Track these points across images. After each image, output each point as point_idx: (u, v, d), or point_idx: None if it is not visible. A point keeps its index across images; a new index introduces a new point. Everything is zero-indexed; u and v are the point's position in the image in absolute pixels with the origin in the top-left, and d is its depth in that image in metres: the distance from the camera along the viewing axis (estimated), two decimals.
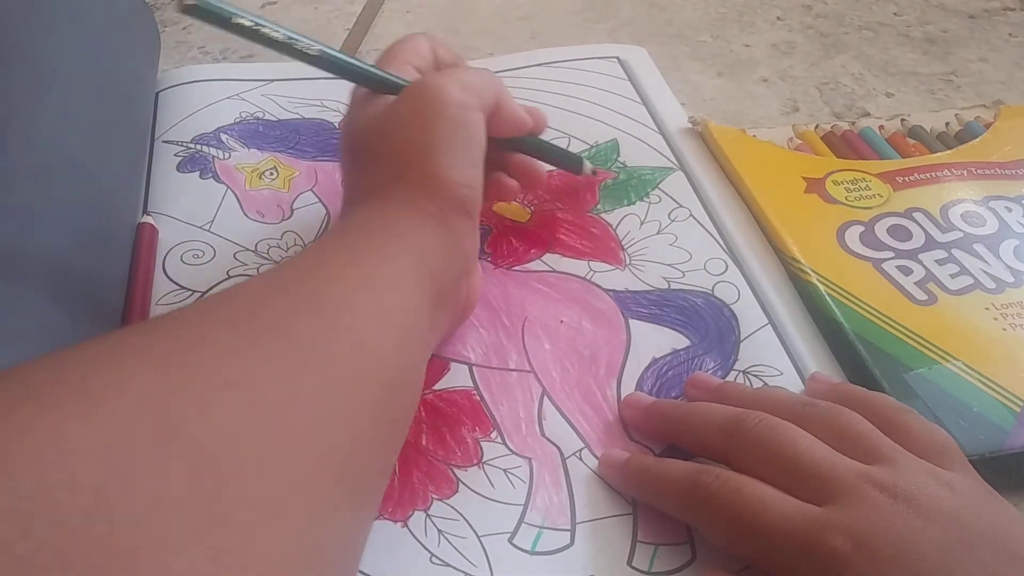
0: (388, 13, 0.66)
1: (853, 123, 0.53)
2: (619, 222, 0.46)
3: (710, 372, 0.38)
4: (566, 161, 0.45)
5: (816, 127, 0.53)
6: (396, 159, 0.34)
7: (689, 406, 0.35)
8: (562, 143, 0.50)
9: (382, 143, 0.34)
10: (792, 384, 0.38)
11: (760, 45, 0.63)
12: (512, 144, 0.41)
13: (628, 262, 0.43)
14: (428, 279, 0.31)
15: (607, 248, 0.44)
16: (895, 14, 0.68)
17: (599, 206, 0.47)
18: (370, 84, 0.36)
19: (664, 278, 0.42)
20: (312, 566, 0.21)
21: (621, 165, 0.49)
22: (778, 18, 0.67)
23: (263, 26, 0.33)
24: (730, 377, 0.38)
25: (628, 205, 0.47)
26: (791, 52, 0.63)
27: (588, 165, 0.46)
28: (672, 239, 0.45)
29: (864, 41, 0.64)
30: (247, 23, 0.32)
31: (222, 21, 0.32)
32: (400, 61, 0.37)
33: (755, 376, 0.38)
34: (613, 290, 0.42)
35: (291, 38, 0.33)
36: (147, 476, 0.18)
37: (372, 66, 0.36)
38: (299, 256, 0.30)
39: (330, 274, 0.28)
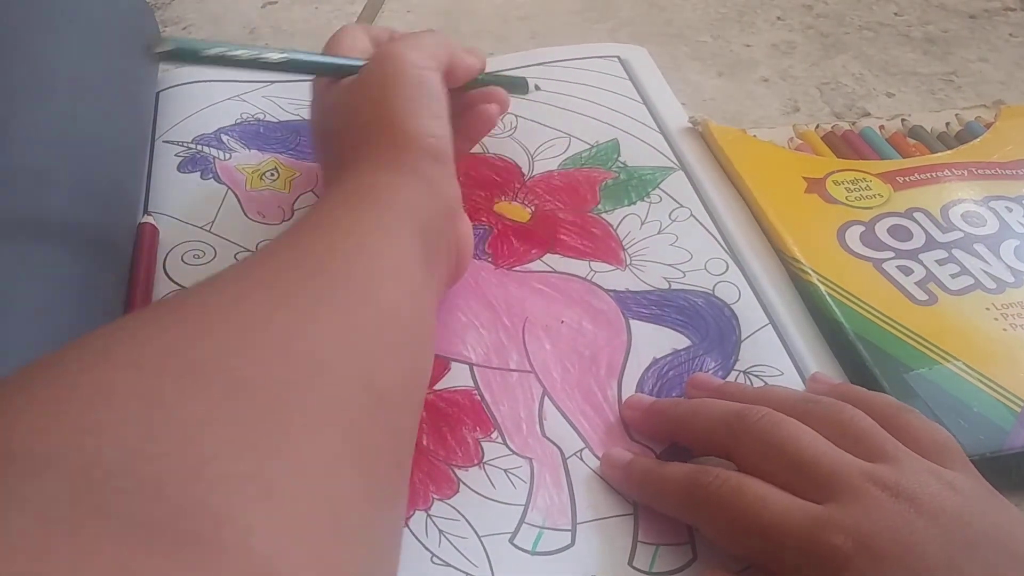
0: (388, 13, 0.66)
1: (854, 123, 0.53)
2: (620, 222, 0.46)
3: (711, 372, 0.38)
4: (511, 86, 0.47)
5: (816, 127, 0.53)
6: (364, 126, 0.36)
7: (691, 403, 0.35)
8: (563, 142, 0.51)
9: (350, 115, 0.37)
10: (793, 384, 0.38)
11: (760, 45, 0.63)
12: (466, 86, 0.43)
13: (629, 262, 0.43)
14: (417, 231, 0.33)
15: (608, 248, 0.44)
16: (895, 14, 0.68)
17: (600, 206, 0.47)
18: (334, 71, 0.39)
19: (665, 278, 0.42)
20: (357, 456, 0.23)
21: (622, 165, 0.49)
22: (778, 18, 0.67)
23: (229, 51, 0.36)
24: (731, 377, 0.38)
25: (629, 205, 0.47)
26: (791, 52, 0.63)
27: (531, 84, 0.48)
28: (673, 239, 0.45)
29: (864, 41, 0.64)
30: (213, 52, 0.35)
31: (196, 58, 0.35)
32: (345, 51, 0.40)
33: (756, 376, 0.38)
34: (614, 290, 0.42)
35: (255, 55, 0.36)
36: (190, 401, 0.20)
37: (333, 56, 0.40)
38: (295, 234, 0.30)
39: (332, 245, 0.30)
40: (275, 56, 0.37)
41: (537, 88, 0.49)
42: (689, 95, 0.57)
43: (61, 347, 0.21)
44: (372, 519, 0.23)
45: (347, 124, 0.37)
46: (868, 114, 0.56)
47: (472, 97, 0.44)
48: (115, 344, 0.21)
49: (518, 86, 0.48)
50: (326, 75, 0.39)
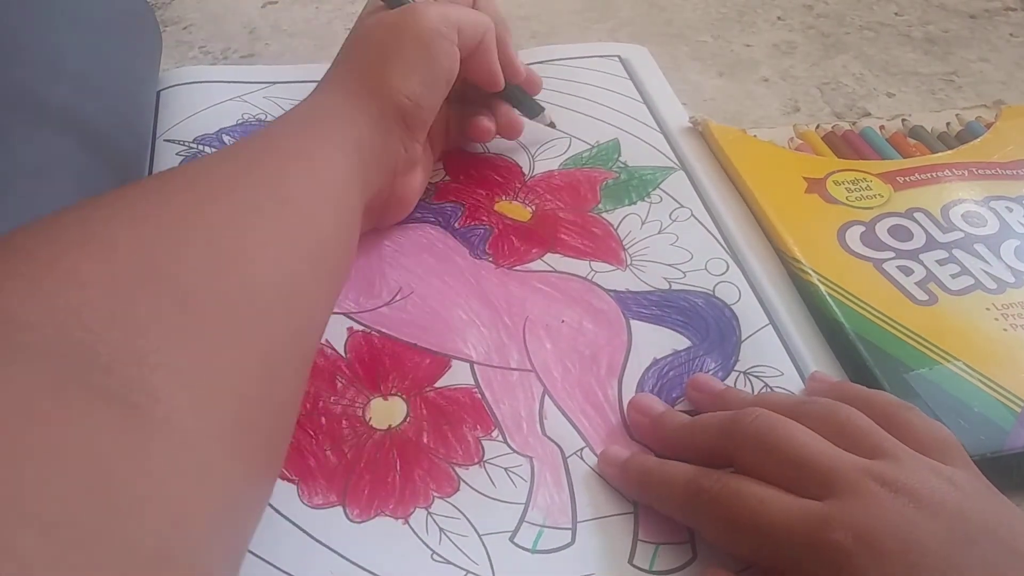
0: None
1: (854, 123, 0.53)
2: (620, 222, 0.46)
3: (711, 373, 0.38)
4: (530, 106, 0.48)
5: (817, 127, 0.53)
6: (363, 61, 0.39)
7: (689, 424, 0.34)
8: (563, 143, 0.51)
9: (362, 45, 0.40)
10: (793, 384, 0.38)
11: (761, 45, 0.63)
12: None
13: (629, 262, 0.43)
14: (356, 161, 0.36)
15: (608, 248, 0.44)
16: (896, 14, 0.68)
17: (600, 206, 0.47)
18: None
19: (665, 278, 0.43)
20: (268, 365, 0.27)
21: (622, 165, 0.49)
22: (779, 18, 0.67)
23: None
24: (731, 377, 0.38)
25: (629, 205, 0.47)
26: (792, 52, 0.63)
27: (548, 119, 0.49)
28: (673, 239, 0.45)
29: (865, 41, 0.64)
30: None
31: None
32: None
33: (756, 377, 0.38)
34: (614, 290, 0.42)
35: None
36: (143, 303, 0.24)
37: None
38: (249, 135, 0.35)
39: (270, 145, 0.34)
40: None
41: (552, 125, 0.49)
42: (689, 95, 0.57)
43: (39, 220, 0.25)
44: (271, 423, 0.27)
45: (357, 50, 0.40)
46: (869, 114, 0.57)
47: (500, 105, 0.47)
48: (90, 234, 0.25)
49: (534, 110, 0.49)
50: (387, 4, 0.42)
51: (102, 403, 0.21)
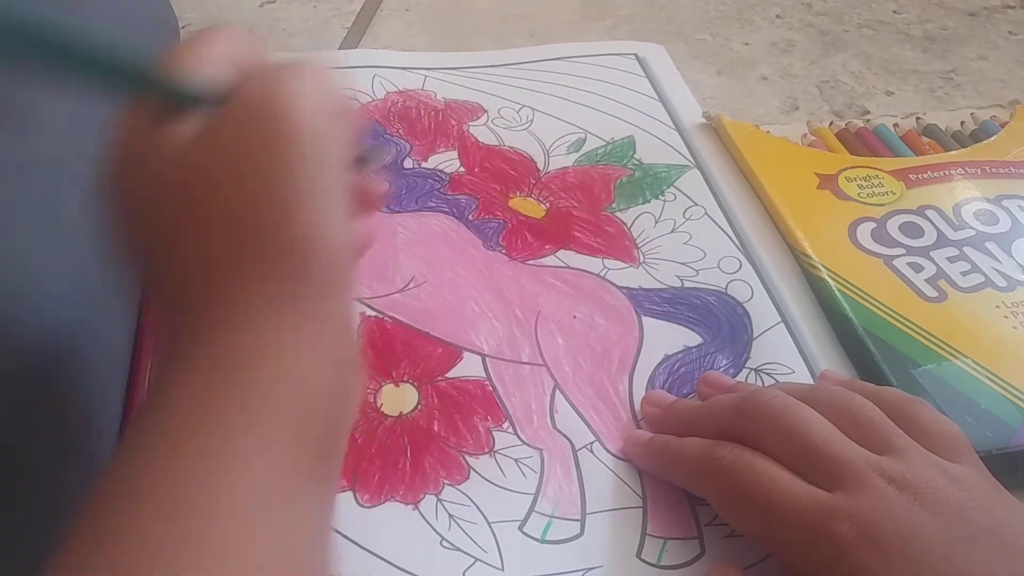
0: (387, 12, 0.66)
1: (867, 120, 0.53)
2: (634, 220, 0.46)
3: (722, 370, 0.38)
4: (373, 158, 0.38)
5: (831, 124, 0.53)
6: (234, 220, 0.23)
7: (703, 402, 0.35)
8: (579, 138, 0.51)
9: (208, 195, 0.23)
10: (803, 381, 0.38)
11: (760, 43, 0.63)
12: None
13: (642, 260, 0.44)
14: (310, 427, 0.23)
15: (621, 246, 0.44)
16: (895, 12, 0.68)
17: (614, 204, 0.47)
18: (167, 94, 0.25)
19: (678, 276, 0.43)
20: None
21: (637, 162, 0.50)
22: (778, 16, 0.67)
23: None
24: (742, 374, 0.38)
25: (643, 203, 0.47)
26: (791, 50, 0.63)
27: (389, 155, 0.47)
28: (687, 237, 0.45)
29: (864, 39, 0.64)
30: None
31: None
32: (216, 61, 0.25)
33: (767, 374, 0.38)
34: (627, 287, 0.42)
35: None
36: None
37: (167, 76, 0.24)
38: (147, 448, 0.22)
39: (181, 492, 0.21)
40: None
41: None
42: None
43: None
44: None
45: (199, 209, 0.23)
46: (868, 112, 0.56)
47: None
48: None
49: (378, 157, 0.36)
50: (156, 95, 0.25)
51: None
